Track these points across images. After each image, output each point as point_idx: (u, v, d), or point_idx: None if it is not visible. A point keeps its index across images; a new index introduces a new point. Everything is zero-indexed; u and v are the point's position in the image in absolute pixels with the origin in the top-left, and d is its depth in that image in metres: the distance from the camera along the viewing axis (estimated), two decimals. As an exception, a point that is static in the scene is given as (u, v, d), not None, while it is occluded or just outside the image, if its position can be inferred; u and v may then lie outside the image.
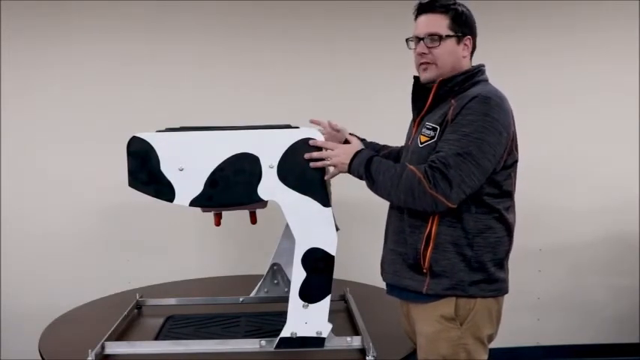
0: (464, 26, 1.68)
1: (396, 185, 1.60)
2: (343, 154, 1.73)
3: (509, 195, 1.66)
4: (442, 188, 1.53)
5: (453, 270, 1.61)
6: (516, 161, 1.66)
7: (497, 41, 3.22)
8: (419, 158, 1.64)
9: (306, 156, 1.77)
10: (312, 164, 1.77)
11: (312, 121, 2.01)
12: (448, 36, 1.67)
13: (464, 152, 1.53)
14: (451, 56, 1.68)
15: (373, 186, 1.66)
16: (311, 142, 1.78)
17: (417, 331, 1.71)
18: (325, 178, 1.79)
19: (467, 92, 1.62)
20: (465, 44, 1.69)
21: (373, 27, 3.25)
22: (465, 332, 1.62)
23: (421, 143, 1.66)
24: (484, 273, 1.62)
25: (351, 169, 1.71)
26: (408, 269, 1.66)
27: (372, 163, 1.66)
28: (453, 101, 1.62)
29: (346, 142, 1.96)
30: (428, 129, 1.65)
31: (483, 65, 1.73)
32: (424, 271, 1.63)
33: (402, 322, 1.85)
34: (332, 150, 1.76)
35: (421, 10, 1.71)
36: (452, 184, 1.52)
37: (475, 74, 1.68)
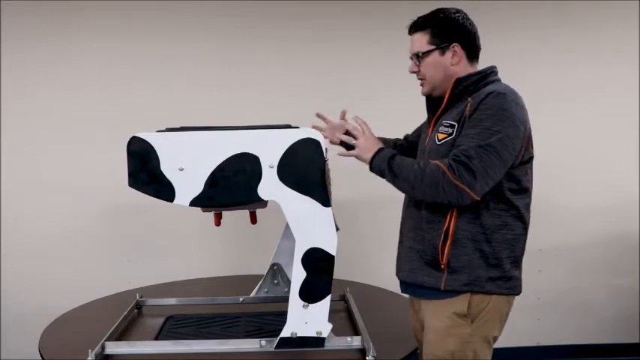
0: (447, 35, 1.73)
1: (420, 179, 1.62)
2: (368, 148, 1.77)
3: (527, 192, 1.70)
4: (467, 179, 1.56)
5: (471, 265, 1.64)
6: (532, 157, 1.70)
7: (496, 41, 3.21)
8: (437, 156, 1.67)
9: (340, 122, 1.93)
10: (337, 136, 1.89)
11: (318, 115, 2.09)
12: (426, 52, 1.75)
13: (485, 144, 1.56)
14: (437, 68, 1.74)
15: (396, 180, 1.69)
16: (355, 117, 1.86)
17: (427, 325, 1.73)
18: (338, 153, 1.84)
19: (481, 90, 1.67)
20: (454, 51, 1.73)
21: (374, 28, 3.25)
22: (475, 331, 1.66)
23: (439, 140, 1.69)
24: (501, 270, 1.65)
25: (372, 166, 1.75)
26: (426, 266, 1.69)
27: (395, 159, 1.70)
28: (469, 99, 1.66)
29: None
30: (445, 126, 1.69)
31: (495, 67, 1.77)
32: (442, 267, 1.65)
33: (410, 320, 1.87)
34: (359, 138, 1.80)
35: (409, 31, 1.81)
36: (476, 175, 1.56)
37: (489, 74, 1.73)
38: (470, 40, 1.76)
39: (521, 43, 3.29)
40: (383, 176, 1.73)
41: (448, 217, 1.65)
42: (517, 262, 1.70)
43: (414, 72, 1.81)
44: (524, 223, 1.69)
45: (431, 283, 1.68)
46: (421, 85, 1.81)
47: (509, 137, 1.58)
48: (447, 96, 1.73)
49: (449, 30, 1.74)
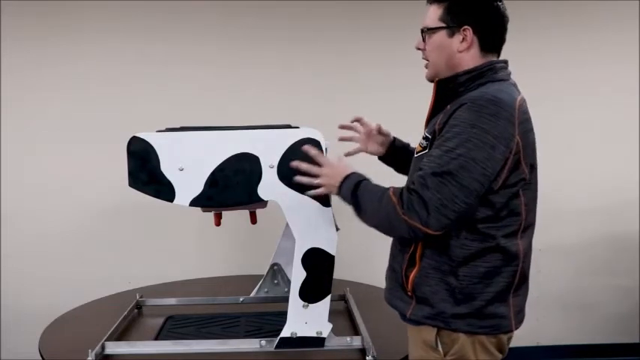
0: (461, 15, 1.46)
1: (376, 211, 1.42)
2: (333, 176, 1.56)
3: (514, 217, 1.43)
4: (418, 213, 1.34)
5: (434, 298, 1.44)
6: (523, 179, 1.41)
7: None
8: (413, 170, 1.51)
9: (293, 164, 1.68)
10: (297, 178, 1.66)
11: (342, 127, 1.87)
12: (433, 29, 1.48)
13: (442, 171, 1.33)
14: (441, 51, 1.49)
15: (359, 215, 1.49)
16: (304, 147, 1.68)
17: (409, 351, 1.61)
18: (307, 193, 1.68)
19: (466, 95, 1.42)
20: (464, 35, 1.45)
21: (375, 28, 3.25)
22: None
23: (416, 153, 1.52)
24: (472, 306, 1.42)
25: (341, 194, 1.54)
26: (399, 289, 1.53)
27: (359, 189, 1.48)
28: (448, 106, 1.44)
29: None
30: (423, 138, 1.50)
31: (501, 62, 1.51)
32: (409, 294, 1.49)
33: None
34: (322, 168, 1.61)
35: (428, 0, 1.54)
36: (429, 208, 1.33)
37: (484, 73, 1.45)
38: (488, 26, 1.47)
39: (522, 43, 3.28)
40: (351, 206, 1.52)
41: (414, 242, 1.46)
42: (501, 297, 1.44)
43: (419, 49, 1.56)
44: (509, 253, 1.42)
45: (400, 307, 1.53)
46: (425, 66, 1.56)
47: (478, 161, 1.32)
48: (431, 100, 1.52)
49: (464, 8, 1.46)
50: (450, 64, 1.49)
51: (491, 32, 1.48)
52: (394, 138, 1.88)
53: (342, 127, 1.88)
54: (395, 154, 1.87)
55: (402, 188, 1.40)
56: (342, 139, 1.85)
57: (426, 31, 1.50)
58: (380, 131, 1.86)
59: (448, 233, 1.40)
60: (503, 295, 1.44)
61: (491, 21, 1.48)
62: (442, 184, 1.33)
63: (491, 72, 1.46)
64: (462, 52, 1.47)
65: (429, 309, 1.45)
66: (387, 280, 1.63)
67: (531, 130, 1.44)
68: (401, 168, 1.85)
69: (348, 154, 1.83)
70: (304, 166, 1.65)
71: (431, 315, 1.45)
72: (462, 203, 1.34)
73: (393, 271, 1.58)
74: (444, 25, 1.48)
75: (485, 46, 1.48)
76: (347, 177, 1.53)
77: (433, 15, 1.50)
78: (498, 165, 1.36)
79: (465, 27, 1.46)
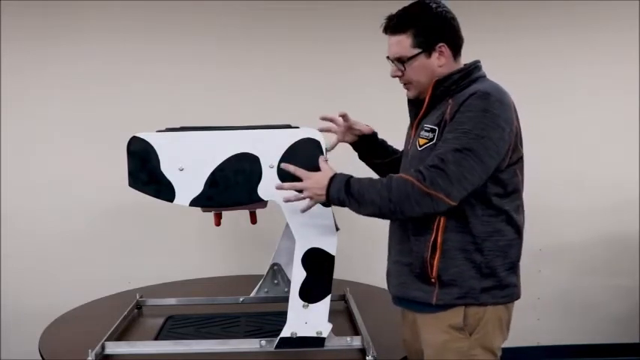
0: (432, 35, 1.60)
1: (387, 198, 1.50)
2: (316, 185, 1.60)
3: (517, 194, 1.60)
4: (441, 185, 1.45)
5: (462, 277, 1.54)
6: (521, 157, 1.60)
7: (496, 41, 3.22)
8: (419, 162, 1.56)
9: (277, 186, 1.69)
10: (284, 197, 1.67)
11: (323, 118, 1.91)
12: (412, 57, 1.61)
13: (464, 148, 1.46)
14: (424, 71, 1.61)
15: (360, 208, 1.55)
16: (282, 165, 1.71)
17: (424, 341, 1.64)
18: (301, 209, 1.68)
19: (464, 90, 1.56)
20: (440, 51, 1.61)
21: (375, 28, 3.24)
22: (474, 343, 1.56)
23: (420, 146, 1.60)
24: (495, 279, 1.55)
25: (329, 199, 1.58)
26: (416, 279, 1.59)
27: (352, 185, 1.55)
28: (450, 100, 1.56)
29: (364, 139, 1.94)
30: (426, 131, 1.59)
31: (479, 61, 1.66)
32: (432, 280, 1.56)
33: (403, 331, 1.79)
34: (303, 181, 1.64)
35: (385, 31, 1.66)
36: (452, 180, 1.45)
37: (471, 71, 1.61)
38: (455, 36, 1.63)
39: (522, 43, 3.29)
40: (344, 206, 1.57)
41: (435, 227, 1.54)
42: (513, 268, 1.59)
43: (396, 76, 1.67)
44: (517, 226, 1.59)
45: (422, 297, 1.58)
46: (406, 89, 1.69)
47: (493, 141, 1.47)
48: (427, 99, 1.62)
49: (434, 29, 1.60)
50: (432, 78, 1.62)
51: (456, 39, 1.64)
52: (374, 132, 1.96)
53: (323, 118, 1.93)
54: (369, 140, 1.94)
55: (417, 169, 1.50)
56: (320, 130, 1.84)
57: (406, 61, 1.61)
58: (345, 120, 1.92)
59: (466, 213, 1.52)
60: (513, 266, 1.60)
61: (453, 31, 1.63)
62: (463, 158, 1.46)
63: (477, 70, 1.64)
64: (441, 66, 1.62)
65: (458, 289, 1.55)
66: (396, 276, 1.67)
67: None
68: (366, 154, 1.95)
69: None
70: (287, 185, 1.67)
71: (461, 294, 1.55)
72: (478, 177, 1.48)
73: (405, 265, 1.63)
74: (420, 50, 1.61)
75: (455, 53, 1.64)
76: (331, 180, 1.59)
77: (403, 44, 1.61)
78: (506, 145, 1.52)
79: (440, 44, 1.61)
